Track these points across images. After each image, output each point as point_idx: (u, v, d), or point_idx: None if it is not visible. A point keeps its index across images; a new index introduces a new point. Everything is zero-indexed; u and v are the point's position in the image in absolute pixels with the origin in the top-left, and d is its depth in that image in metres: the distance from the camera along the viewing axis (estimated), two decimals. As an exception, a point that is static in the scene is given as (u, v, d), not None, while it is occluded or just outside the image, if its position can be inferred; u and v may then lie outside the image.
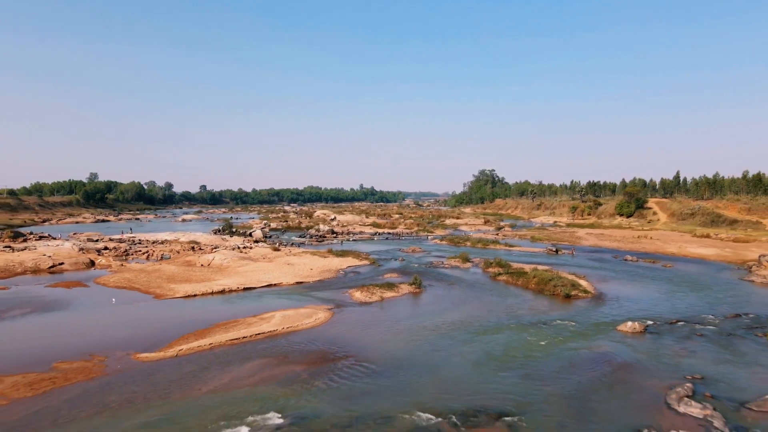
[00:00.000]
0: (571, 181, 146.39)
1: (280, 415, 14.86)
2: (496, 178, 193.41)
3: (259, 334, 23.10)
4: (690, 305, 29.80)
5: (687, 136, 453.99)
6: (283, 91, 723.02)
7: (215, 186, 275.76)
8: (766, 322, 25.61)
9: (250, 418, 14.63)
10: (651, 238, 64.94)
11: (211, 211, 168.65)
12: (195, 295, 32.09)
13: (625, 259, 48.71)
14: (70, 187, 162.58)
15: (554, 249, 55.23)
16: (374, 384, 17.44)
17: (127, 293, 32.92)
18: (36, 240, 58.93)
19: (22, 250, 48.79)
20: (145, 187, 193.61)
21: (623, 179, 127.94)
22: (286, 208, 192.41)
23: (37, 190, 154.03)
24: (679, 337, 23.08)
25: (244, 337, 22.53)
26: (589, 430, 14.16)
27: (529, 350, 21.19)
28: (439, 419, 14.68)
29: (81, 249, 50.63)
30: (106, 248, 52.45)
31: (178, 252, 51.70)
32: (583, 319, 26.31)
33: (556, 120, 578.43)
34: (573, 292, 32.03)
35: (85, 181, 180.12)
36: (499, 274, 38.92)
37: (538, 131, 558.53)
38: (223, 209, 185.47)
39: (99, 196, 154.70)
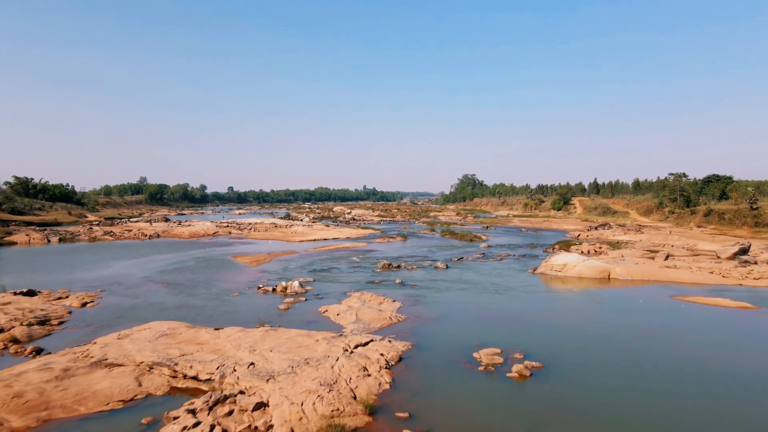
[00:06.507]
0: (526, 184, 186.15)
1: (361, 256, 53.54)
2: (477, 181, 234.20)
3: (344, 245, 61.95)
4: (521, 242, 68.62)
5: (630, 141, 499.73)
6: (289, 96, 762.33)
7: (235, 186, 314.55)
8: (537, 244, 64.52)
9: (353, 257, 53.23)
10: (551, 221, 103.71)
11: (247, 207, 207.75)
12: (303, 241, 70.76)
13: (521, 230, 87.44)
14: (132, 189, 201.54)
15: (486, 226, 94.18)
16: (387, 253, 56.27)
17: (271, 240, 71.63)
18: (180, 223, 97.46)
19: (188, 226, 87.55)
20: (188, 189, 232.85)
21: (559, 182, 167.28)
22: (304, 205, 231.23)
23: (108, 192, 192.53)
24: (501, 249, 61.81)
25: (338, 247, 61.31)
26: (446, 255, 52.86)
27: (442, 249, 59.95)
28: (407, 257, 53.54)
29: (216, 225, 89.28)
30: (228, 225, 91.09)
31: (269, 228, 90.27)
32: (471, 245, 65.00)
33: (535, 124, 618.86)
34: (474, 239, 70.88)
35: (137, 183, 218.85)
36: (446, 233, 77.79)
37: (520, 136, 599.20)
38: (256, 206, 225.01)
39: (159, 196, 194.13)
